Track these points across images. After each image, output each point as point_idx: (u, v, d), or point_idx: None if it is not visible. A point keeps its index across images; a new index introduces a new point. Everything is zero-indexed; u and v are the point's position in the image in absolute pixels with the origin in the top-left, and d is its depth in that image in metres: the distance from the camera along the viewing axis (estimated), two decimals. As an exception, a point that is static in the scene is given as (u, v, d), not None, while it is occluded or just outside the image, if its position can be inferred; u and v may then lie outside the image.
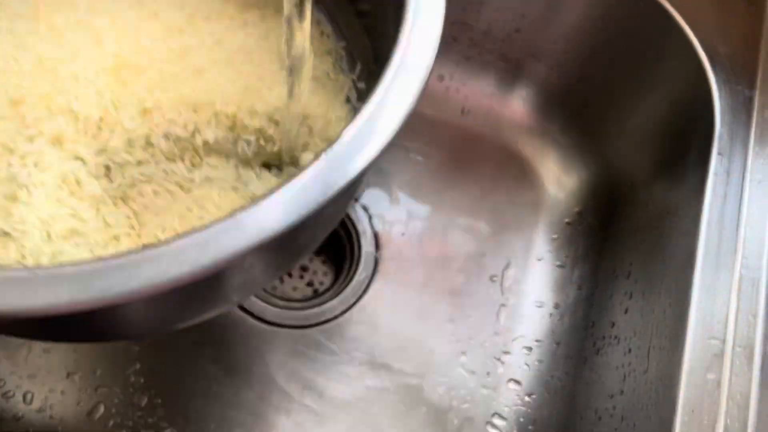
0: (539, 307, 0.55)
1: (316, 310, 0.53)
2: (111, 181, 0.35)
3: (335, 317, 0.53)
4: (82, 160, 0.34)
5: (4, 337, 0.48)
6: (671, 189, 0.46)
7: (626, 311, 0.46)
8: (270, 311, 0.52)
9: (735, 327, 0.36)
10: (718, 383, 0.35)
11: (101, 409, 0.48)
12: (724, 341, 0.36)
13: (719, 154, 0.41)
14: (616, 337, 0.46)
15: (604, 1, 0.49)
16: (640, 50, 0.49)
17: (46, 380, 0.48)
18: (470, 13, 0.55)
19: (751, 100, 0.43)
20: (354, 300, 0.54)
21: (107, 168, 0.35)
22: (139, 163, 0.36)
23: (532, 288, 0.56)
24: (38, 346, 0.48)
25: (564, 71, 0.56)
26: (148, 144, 0.36)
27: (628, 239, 0.51)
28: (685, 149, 0.45)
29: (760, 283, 0.38)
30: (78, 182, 0.34)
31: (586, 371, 0.49)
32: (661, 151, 0.49)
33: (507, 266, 0.56)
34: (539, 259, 0.57)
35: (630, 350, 0.43)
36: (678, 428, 0.34)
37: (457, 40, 0.57)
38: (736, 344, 0.36)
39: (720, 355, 0.36)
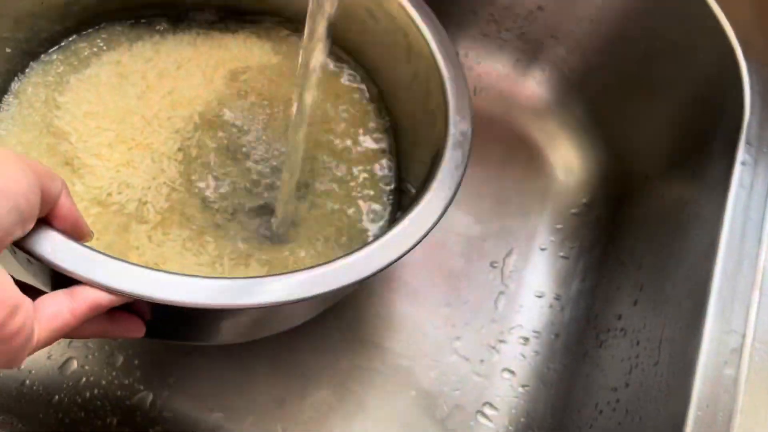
0: (539, 297, 0.53)
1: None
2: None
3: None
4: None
5: None
6: (691, 179, 0.44)
7: (635, 303, 0.44)
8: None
9: (756, 321, 0.34)
10: (736, 379, 0.33)
11: (74, 364, 0.45)
12: (744, 335, 0.34)
13: (747, 143, 0.39)
14: (622, 329, 0.44)
15: (636, -19, 0.47)
16: (669, 35, 0.47)
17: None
18: (493, -15, 0.52)
19: (781, 92, 0.42)
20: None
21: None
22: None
23: (533, 277, 0.54)
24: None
25: (585, 54, 0.54)
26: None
27: (639, 230, 0.49)
28: (709, 139, 0.43)
29: (783, 278, 0.36)
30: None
31: (586, 364, 0.47)
32: (682, 140, 0.47)
33: (509, 253, 0.54)
34: (542, 249, 0.55)
35: (638, 342, 0.41)
36: (691, 424, 0.32)
37: (477, 14, 0.55)
38: (756, 339, 0.34)
39: (739, 350, 0.34)
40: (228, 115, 0.48)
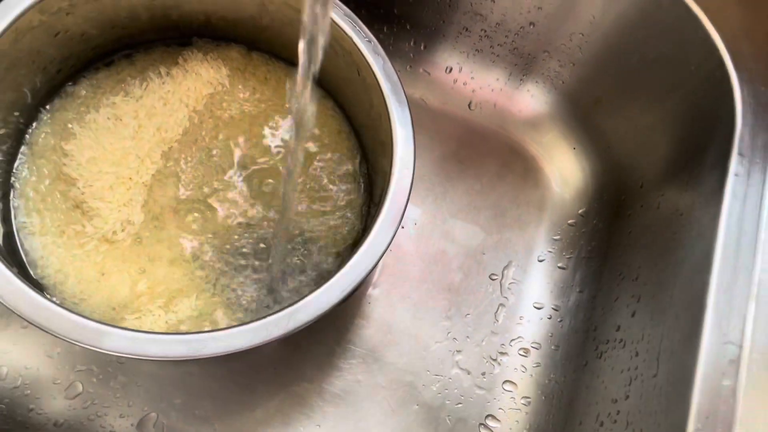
0: (539, 308, 0.53)
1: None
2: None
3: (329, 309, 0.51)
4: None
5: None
6: (686, 190, 0.44)
7: (633, 314, 0.45)
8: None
9: (753, 332, 0.35)
10: (734, 390, 0.33)
11: (78, 388, 0.46)
12: (741, 347, 0.34)
13: (740, 154, 0.40)
14: (621, 340, 0.44)
15: (625, -4, 0.48)
16: (660, 48, 0.48)
17: (21, 356, 0.46)
18: (485, 2, 0.53)
19: (772, 102, 0.42)
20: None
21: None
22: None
23: (532, 289, 0.54)
24: (17, 323, 0.46)
25: (577, 68, 0.55)
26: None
27: (635, 241, 0.49)
28: (702, 150, 0.44)
29: (778, 289, 0.37)
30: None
31: (586, 375, 0.47)
32: (676, 151, 0.48)
33: (507, 265, 0.55)
34: (540, 260, 0.55)
35: (637, 354, 0.41)
36: (691, 435, 0.32)
37: (470, 30, 0.56)
38: (754, 350, 0.34)
39: (736, 361, 0.34)
40: (208, 144, 0.50)
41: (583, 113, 0.57)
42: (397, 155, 0.44)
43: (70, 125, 0.48)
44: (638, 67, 0.50)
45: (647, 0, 0.47)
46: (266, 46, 0.54)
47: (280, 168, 0.49)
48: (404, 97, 0.45)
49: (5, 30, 0.41)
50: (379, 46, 0.46)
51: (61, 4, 0.44)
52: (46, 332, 0.35)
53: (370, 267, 0.41)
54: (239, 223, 0.47)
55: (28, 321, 0.35)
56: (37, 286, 0.43)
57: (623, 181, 0.54)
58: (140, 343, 0.36)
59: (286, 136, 0.50)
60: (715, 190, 0.40)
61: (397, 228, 0.42)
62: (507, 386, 0.50)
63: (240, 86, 0.52)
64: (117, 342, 0.36)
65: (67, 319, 0.36)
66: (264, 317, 0.38)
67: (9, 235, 0.45)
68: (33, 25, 0.43)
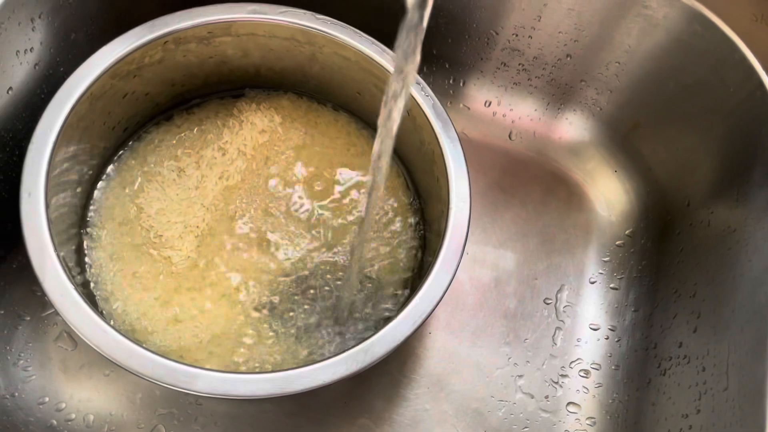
0: (595, 330, 0.55)
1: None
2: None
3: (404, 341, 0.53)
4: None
5: (64, 359, 0.48)
6: (736, 207, 0.46)
7: (695, 330, 0.46)
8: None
9: (821, 341, 0.36)
10: (808, 399, 0.34)
11: (162, 431, 0.47)
12: (810, 356, 0.36)
13: (788, 170, 0.41)
14: (685, 356, 0.46)
15: (661, 26, 0.50)
16: (696, 72, 0.50)
17: (106, 403, 0.48)
18: (522, 38, 0.55)
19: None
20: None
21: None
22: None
23: (586, 311, 0.55)
24: (100, 371, 0.48)
25: (614, 95, 0.57)
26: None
27: (688, 258, 0.51)
28: (748, 168, 0.45)
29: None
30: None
31: (651, 393, 0.48)
32: (720, 170, 0.49)
33: (560, 289, 0.56)
34: (592, 282, 0.57)
35: (704, 368, 0.42)
36: (770, 445, 0.33)
37: (507, 65, 0.58)
38: (823, 358, 0.35)
39: (807, 371, 0.35)
40: (267, 189, 0.52)
41: (623, 138, 0.58)
42: (453, 190, 0.47)
43: (138, 179, 0.51)
44: (676, 91, 0.52)
45: (681, 28, 0.49)
46: (314, 92, 0.56)
47: (348, 217, 0.52)
48: (455, 134, 0.47)
49: (82, 95, 0.44)
50: (428, 87, 0.49)
51: (130, 67, 0.47)
52: (142, 378, 0.37)
53: (438, 298, 0.43)
54: (301, 264, 0.49)
55: (126, 369, 0.37)
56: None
57: (668, 200, 0.55)
58: (230, 383, 0.38)
59: (341, 178, 0.53)
60: (766, 206, 0.41)
61: (461, 258, 0.44)
62: (571, 408, 0.51)
63: (293, 132, 0.55)
64: (209, 383, 0.38)
65: (162, 365, 0.38)
66: (342, 352, 0.40)
67: (85, 284, 0.47)
68: (105, 90, 0.46)
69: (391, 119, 0.35)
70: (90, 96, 0.45)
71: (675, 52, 0.50)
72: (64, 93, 0.44)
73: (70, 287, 0.39)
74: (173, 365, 0.38)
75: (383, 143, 0.36)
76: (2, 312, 0.47)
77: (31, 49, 0.43)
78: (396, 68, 0.33)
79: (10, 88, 0.42)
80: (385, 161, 0.37)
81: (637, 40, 0.52)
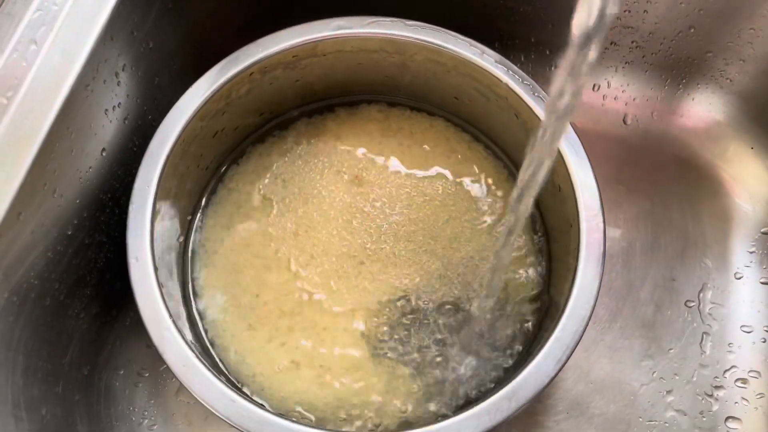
0: (748, 332, 0.49)
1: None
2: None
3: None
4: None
5: (187, 414, 0.47)
6: None
7: None
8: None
9: None
10: None
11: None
12: None
13: None
14: None
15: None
16: None
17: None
18: (636, 14, 0.49)
19: None
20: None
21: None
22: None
23: (736, 311, 0.50)
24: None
25: (747, 64, 0.50)
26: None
27: None
28: None
29: None
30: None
31: (831, 407, 0.43)
32: None
33: (702, 289, 0.50)
34: (738, 277, 0.51)
35: None
36: None
37: (617, 44, 0.52)
38: None
39: None
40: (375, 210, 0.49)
41: (758, 111, 0.52)
42: (581, 202, 0.42)
43: (231, 216, 0.48)
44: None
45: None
46: (405, 100, 0.52)
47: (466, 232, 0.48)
48: (577, 137, 0.43)
49: (175, 143, 0.42)
50: (538, 87, 0.44)
51: (218, 106, 0.44)
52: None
53: (581, 329, 0.38)
54: (425, 293, 0.46)
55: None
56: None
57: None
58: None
59: (451, 189, 0.49)
60: None
61: (601, 281, 0.39)
62: (731, 423, 0.46)
63: (388, 144, 0.51)
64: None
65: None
66: (485, 400, 0.37)
67: (198, 337, 0.46)
68: (196, 134, 0.44)
69: (535, 179, 0.31)
70: (182, 143, 0.43)
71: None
72: (155, 145, 0.41)
73: (191, 356, 0.37)
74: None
75: (525, 195, 0.33)
76: (122, 372, 0.46)
77: (119, 105, 0.41)
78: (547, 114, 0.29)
79: (104, 149, 0.40)
80: (526, 204, 0.33)
81: (776, 2, 0.45)
